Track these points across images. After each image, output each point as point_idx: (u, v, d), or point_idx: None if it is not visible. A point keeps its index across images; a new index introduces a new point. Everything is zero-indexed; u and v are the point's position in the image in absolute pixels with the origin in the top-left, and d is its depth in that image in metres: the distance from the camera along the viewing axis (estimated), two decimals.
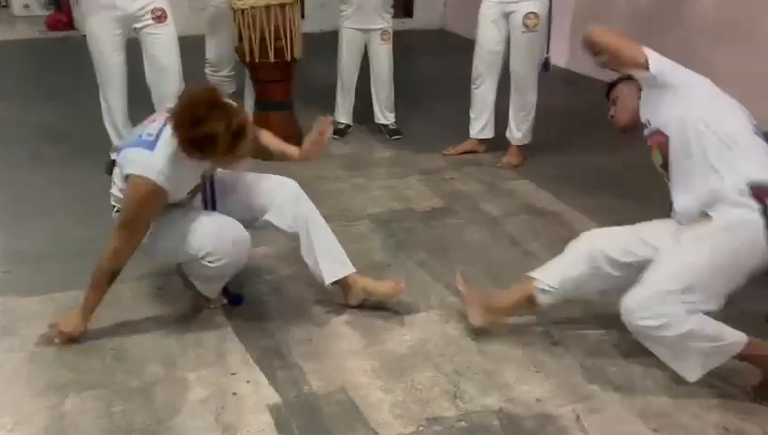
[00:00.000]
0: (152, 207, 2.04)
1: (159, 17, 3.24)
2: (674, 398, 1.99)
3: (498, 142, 3.87)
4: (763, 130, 2.07)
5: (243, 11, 3.55)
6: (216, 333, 2.24)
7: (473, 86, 3.82)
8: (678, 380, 2.06)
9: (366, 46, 4.04)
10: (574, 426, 1.88)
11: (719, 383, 2.05)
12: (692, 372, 1.93)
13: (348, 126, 4.25)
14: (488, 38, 3.66)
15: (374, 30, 3.97)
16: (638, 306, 1.88)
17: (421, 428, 1.86)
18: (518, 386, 2.03)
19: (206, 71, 3.97)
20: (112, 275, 2.10)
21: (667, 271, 1.91)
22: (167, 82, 3.34)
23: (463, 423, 1.88)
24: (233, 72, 3.99)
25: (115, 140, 3.51)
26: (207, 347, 2.17)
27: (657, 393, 2.01)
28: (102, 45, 3.27)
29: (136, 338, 2.20)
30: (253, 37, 3.59)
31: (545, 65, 3.72)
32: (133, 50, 3.33)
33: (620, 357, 2.17)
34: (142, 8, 3.21)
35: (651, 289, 1.89)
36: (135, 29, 3.27)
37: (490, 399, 1.97)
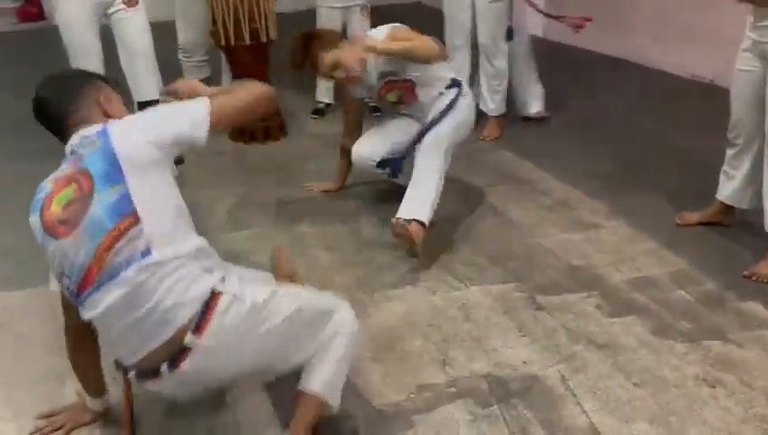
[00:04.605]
0: None
1: (130, 1, 3.23)
2: (654, 353, 2.06)
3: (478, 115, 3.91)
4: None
5: None
6: None
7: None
8: (660, 335, 2.14)
9: (344, 24, 4.04)
10: (560, 385, 1.94)
11: (696, 336, 2.13)
12: None
13: (328, 105, 4.26)
14: (457, 11, 3.69)
15: (353, 6, 3.97)
16: None
17: (412, 395, 1.92)
18: (504, 350, 2.09)
19: (180, 56, 3.95)
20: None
21: None
22: (140, 67, 3.34)
23: (452, 389, 1.94)
24: (207, 56, 3.97)
25: None
26: None
27: (638, 350, 2.08)
28: (77, 32, 3.25)
29: None
30: (227, 20, 3.58)
31: (509, 34, 3.76)
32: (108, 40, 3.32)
33: (602, 317, 2.24)
34: None
35: None
36: (107, 15, 3.27)
37: (478, 364, 2.03)
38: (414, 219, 2.52)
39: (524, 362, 2.04)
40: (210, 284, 1.50)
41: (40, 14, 6.93)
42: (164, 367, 1.48)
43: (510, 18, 3.73)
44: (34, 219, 1.55)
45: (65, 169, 1.55)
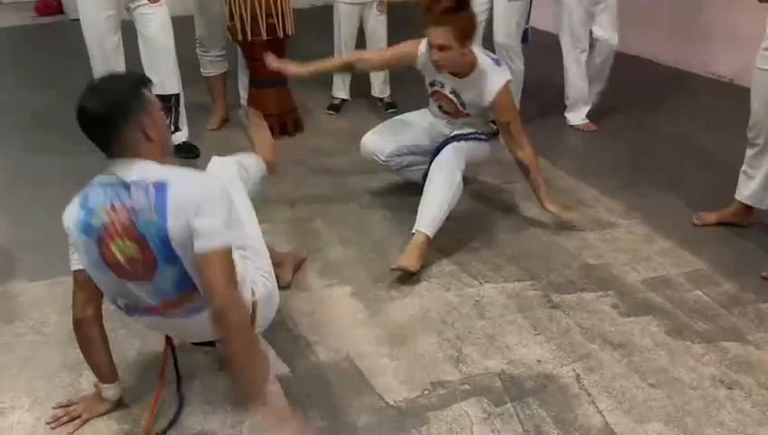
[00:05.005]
0: None
1: None
2: (671, 354, 2.04)
3: None
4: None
5: None
6: None
7: None
8: (676, 335, 2.12)
9: (361, 19, 4.05)
10: (574, 384, 1.93)
11: (714, 337, 2.11)
12: None
13: (344, 101, 4.27)
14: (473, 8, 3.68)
15: (369, 2, 3.97)
16: None
17: (426, 392, 1.91)
18: (519, 348, 2.08)
19: (197, 50, 3.97)
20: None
21: None
22: (160, 62, 3.36)
23: (466, 386, 1.93)
24: (224, 51, 3.99)
25: None
26: None
27: (654, 350, 2.06)
28: (94, 26, 3.26)
29: None
30: (244, 15, 3.58)
31: (524, 37, 3.74)
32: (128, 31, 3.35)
33: (618, 317, 2.22)
34: None
35: None
36: (128, 9, 3.29)
37: (492, 361, 2.03)
38: (423, 232, 2.51)
39: (539, 361, 2.03)
40: (249, 300, 1.76)
41: (58, 8, 6.99)
42: (219, 344, 1.85)
43: (528, 20, 3.71)
44: (86, 243, 1.64)
45: (119, 209, 1.58)
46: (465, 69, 2.61)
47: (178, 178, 1.61)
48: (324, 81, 4.35)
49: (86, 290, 1.73)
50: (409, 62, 2.74)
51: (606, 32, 3.71)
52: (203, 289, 1.60)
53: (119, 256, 1.60)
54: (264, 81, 3.79)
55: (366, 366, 2.02)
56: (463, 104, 2.71)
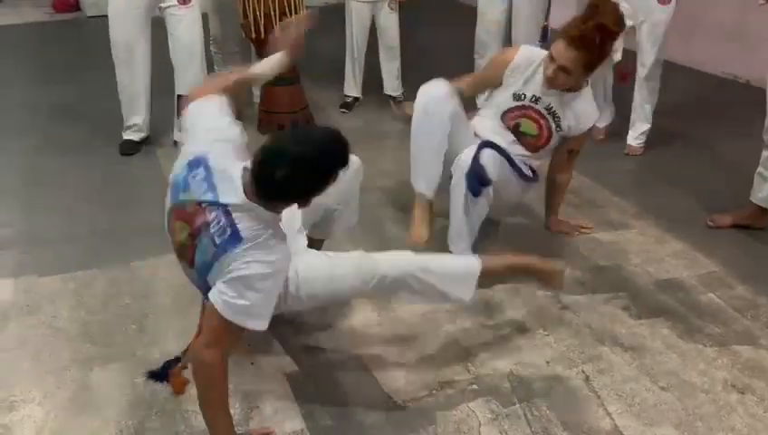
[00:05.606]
0: None
1: (185, 0, 3.26)
2: (681, 357, 2.03)
3: None
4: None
5: None
6: None
7: (476, 56, 3.82)
8: (688, 338, 2.10)
9: (373, 18, 4.04)
10: (584, 386, 1.92)
11: (726, 341, 2.09)
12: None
13: (356, 99, 4.26)
14: (492, 7, 3.66)
15: (381, 1, 3.96)
16: None
17: (434, 392, 1.91)
18: (528, 349, 2.07)
19: (211, 48, 3.99)
20: None
21: None
22: (189, 63, 3.38)
23: (475, 386, 1.93)
24: (237, 49, 4.01)
25: (134, 120, 3.53)
26: None
27: (666, 353, 2.05)
28: (124, 24, 3.27)
29: (156, 312, 2.26)
30: (258, 13, 3.59)
31: (544, 35, 3.71)
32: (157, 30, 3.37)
33: (629, 319, 2.21)
34: None
35: None
36: (160, 8, 3.31)
37: (501, 362, 2.02)
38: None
39: (548, 362, 2.02)
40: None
41: (75, 4, 7.04)
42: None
43: (546, 17, 3.69)
44: (169, 189, 1.69)
45: (204, 211, 1.57)
46: (573, 88, 2.41)
47: (256, 245, 1.54)
48: (334, 78, 4.35)
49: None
50: (499, 76, 2.49)
51: (644, 44, 3.43)
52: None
53: (176, 235, 1.66)
54: (277, 78, 3.79)
55: (374, 365, 2.01)
56: (559, 126, 2.44)
